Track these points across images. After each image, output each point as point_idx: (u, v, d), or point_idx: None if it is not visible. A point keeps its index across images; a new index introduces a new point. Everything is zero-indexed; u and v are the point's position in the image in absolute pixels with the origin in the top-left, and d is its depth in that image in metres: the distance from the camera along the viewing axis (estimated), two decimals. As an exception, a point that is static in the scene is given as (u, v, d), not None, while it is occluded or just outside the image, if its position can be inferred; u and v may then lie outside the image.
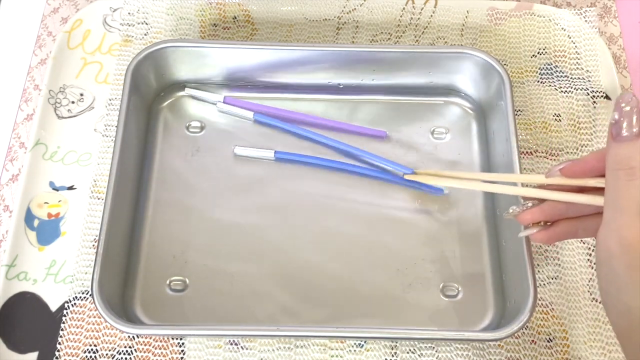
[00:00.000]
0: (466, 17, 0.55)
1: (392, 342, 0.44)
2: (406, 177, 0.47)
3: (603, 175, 0.32)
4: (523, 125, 0.51)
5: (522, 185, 0.40)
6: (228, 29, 0.55)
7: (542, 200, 0.37)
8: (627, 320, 0.29)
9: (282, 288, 0.45)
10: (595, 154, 0.34)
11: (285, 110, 0.51)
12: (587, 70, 0.53)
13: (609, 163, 0.31)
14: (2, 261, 0.46)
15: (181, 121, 0.51)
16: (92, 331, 0.44)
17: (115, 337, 0.44)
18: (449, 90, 0.52)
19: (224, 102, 0.51)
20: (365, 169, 0.49)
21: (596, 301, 0.45)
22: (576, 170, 0.35)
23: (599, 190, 0.34)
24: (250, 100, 0.52)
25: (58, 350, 0.44)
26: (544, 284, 0.46)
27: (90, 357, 0.44)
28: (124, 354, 0.44)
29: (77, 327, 0.44)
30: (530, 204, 0.37)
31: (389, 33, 0.55)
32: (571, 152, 0.50)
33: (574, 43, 0.54)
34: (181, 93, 0.52)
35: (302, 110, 0.51)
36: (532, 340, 0.44)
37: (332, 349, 0.44)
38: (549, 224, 0.37)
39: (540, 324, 0.45)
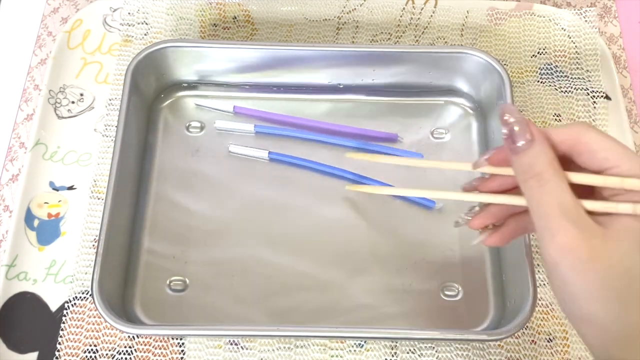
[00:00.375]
0: (466, 17, 0.55)
1: (392, 342, 0.44)
2: (347, 188, 0.47)
3: None
4: (523, 125, 0.51)
5: (463, 190, 0.38)
6: (228, 29, 0.55)
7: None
8: (589, 325, 0.28)
9: (282, 288, 0.45)
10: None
11: (291, 117, 0.51)
12: (587, 70, 0.53)
13: (518, 176, 0.30)
14: (2, 261, 0.46)
15: (181, 121, 0.51)
16: (92, 331, 0.44)
17: (115, 337, 0.44)
18: (449, 90, 0.52)
19: (234, 112, 0.51)
20: (357, 175, 0.48)
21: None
22: (502, 158, 0.33)
23: None
24: (251, 100, 0.52)
25: (58, 350, 0.44)
26: (544, 284, 0.46)
27: (90, 357, 0.44)
28: (124, 354, 0.44)
29: (77, 327, 0.44)
30: (477, 208, 0.36)
31: (389, 33, 0.55)
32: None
33: (574, 43, 0.54)
34: (181, 93, 0.52)
35: (302, 110, 0.51)
36: (532, 340, 0.44)
37: (332, 349, 0.44)
38: (497, 225, 0.36)
39: (540, 324, 0.45)
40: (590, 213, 0.29)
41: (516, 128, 0.30)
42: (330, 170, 0.49)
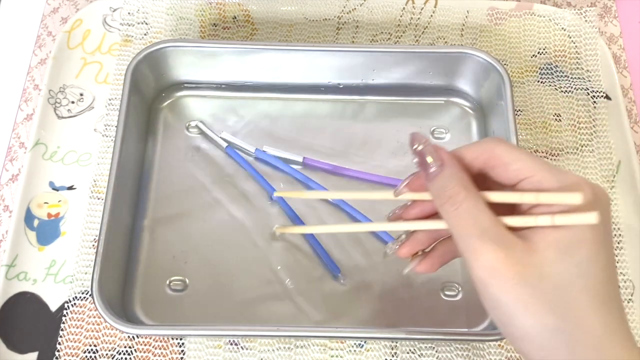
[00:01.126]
0: (466, 17, 0.55)
1: (392, 342, 0.44)
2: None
3: None
4: (523, 125, 0.51)
5: (387, 220, 0.37)
6: (228, 29, 0.55)
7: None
8: (529, 343, 0.28)
9: (282, 288, 0.45)
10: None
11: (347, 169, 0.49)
12: (587, 70, 0.53)
13: (435, 202, 0.30)
14: (2, 261, 0.46)
15: (181, 121, 0.51)
16: (92, 331, 0.44)
17: (115, 337, 0.44)
18: (449, 90, 0.52)
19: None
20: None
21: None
22: (421, 183, 0.32)
23: None
24: (251, 100, 0.52)
25: (58, 350, 0.44)
26: (544, 284, 0.46)
27: (90, 357, 0.44)
28: (124, 354, 0.44)
29: (77, 327, 0.44)
30: (403, 236, 0.36)
31: (389, 33, 0.55)
32: (571, 152, 0.50)
33: (574, 43, 0.54)
34: (181, 93, 0.52)
35: (303, 110, 0.51)
36: (532, 340, 0.44)
37: (332, 349, 0.44)
38: (427, 251, 0.36)
39: (540, 324, 0.45)
40: (511, 229, 0.29)
41: (427, 155, 0.30)
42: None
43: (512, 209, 0.30)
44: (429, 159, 0.30)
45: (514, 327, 0.28)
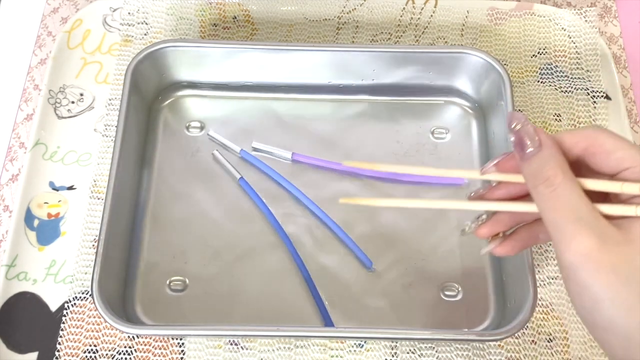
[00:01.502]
0: (466, 17, 0.55)
1: (392, 342, 0.44)
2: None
3: None
4: (523, 125, 0.51)
5: (468, 199, 0.36)
6: (228, 29, 0.55)
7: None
8: (611, 334, 0.27)
9: (282, 288, 0.45)
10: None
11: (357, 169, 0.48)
12: (587, 70, 0.53)
13: (528, 183, 0.30)
14: (2, 261, 0.46)
15: (181, 121, 0.51)
16: (92, 331, 0.44)
17: (115, 337, 0.44)
18: (449, 90, 0.52)
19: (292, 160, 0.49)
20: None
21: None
22: (511, 165, 0.32)
23: None
24: (251, 100, 0.52)
25: (58, 351, 0.44)
26: (544, 284, 0.46)
27: (90, 357, 0.44)
28: (124, 354, 0.44)
29: (77, 327, 0.44)
30: (484, 216, 0.35)
31: (389, 33, 0.55)
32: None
33: (574, 43, 0.54)
34: (181, 93, 0.52)
35: (303, 110, 0.51)
36: (532, 340, 0.44)
37: (332, 349, 0.44)
38: (508, 233, 0.35)
39: (540, 324, 0.45)
40: (607, 217, 0.28)
41: (525, 135, 0.30)
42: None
43: (605, 198, 0.30)
44: (526, 138, 0.30)
45: (599, 315, 0.27)
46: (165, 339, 0.44)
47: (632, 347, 0.27)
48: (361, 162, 0.41)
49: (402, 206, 0.42)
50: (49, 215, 0.48)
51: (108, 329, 0.44)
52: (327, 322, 0.44)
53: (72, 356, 0.44)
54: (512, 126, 0.30)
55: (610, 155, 0.29)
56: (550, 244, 0.47)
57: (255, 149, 0.50)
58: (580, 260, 0.27)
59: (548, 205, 0.29)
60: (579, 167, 0.30)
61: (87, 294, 0.45)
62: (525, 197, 0.33)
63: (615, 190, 0.29)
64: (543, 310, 0.45)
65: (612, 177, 0.30)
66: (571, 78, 0.53)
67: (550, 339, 0.44)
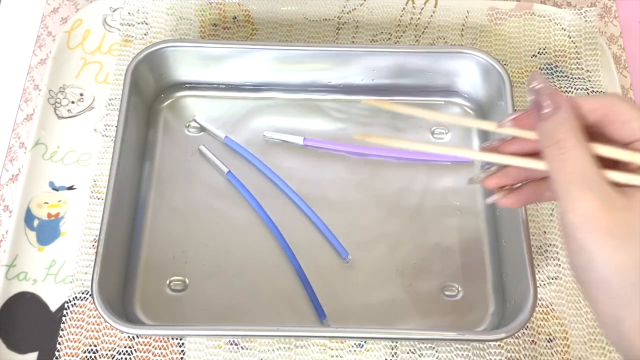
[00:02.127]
0: (466, 17, 0.55)
1: (392, 342, 0.44)
2: (356, 136, 0.41)
3: None
4: (523, 125, 0.51)
5: (481, 150, 0.38)
6: (228, 29, 0.55)
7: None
8: (602, 291, 0.29)
9: (282, 287, 0.45)
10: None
11: (356, 146, 0.49)
12: (587, 70, 0.53)
13: (541, 142, 0.31)
14: (2, 261, 0.46)
15: (181, 121, 0.51)
16: (92, 331, 0.44)
17: (115, 337, 0.44)
18: (449, 90, 0.52)
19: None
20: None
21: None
22: (527, 122, 0.33)
23: None
24: (250, 100, 0.52)
25: (58, 351, 0.44)
26: (544, 284, 0.46)
27: (90, 357, 0.44)
28: (124, 354, 0.44)
29: (77, 327, 0.44)
30: (494, 168, 0.36)
31: (389, 33, 0.55)
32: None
33: (574, 43, 0.54)
34: (181, 93, 0.52)
35: (303, 110, 0.51)
36: (532, 340, 0.44)
37: (332, 349, 0.44)
38: (515, 187, 0.37)
39: (540, 324, 0.45)
40: (614, 184, 0.29)
41: (543, 95, 0.30)
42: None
43: (615, 165, 0.31)
44: (544, 98, 0.30)
45: (593, 272, 0.29)
46: (165, 339, 0.44)
47: (620, 304, 0.28)
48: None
49: (415, 149, 0.39)
50: (49, 215, 0.48)
51: (108, 329, 0.44)
52: (320, 313, 0.44)
53: (72, 356, 0.44)
54: (532, 85, 0.31)
55: (626, 125, 0.30)
56: (549, 245, 0.47)
57: (267, 138, 0.50)
58: (580, 220, 0.28)
59: (557, 166, 0.30)
60: (594, 132, 0.31)
61: (87, 294, 0.45)
62: (536, 154, 0.33)
63: (625, 158, 0.30)
64: (543, 310, 0.45)
65: (625, 146, 0.31)
66: (571, 78, 0.53)
67: (550, 339, 0.44)
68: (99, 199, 0.48)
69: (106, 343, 0.44)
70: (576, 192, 0.28)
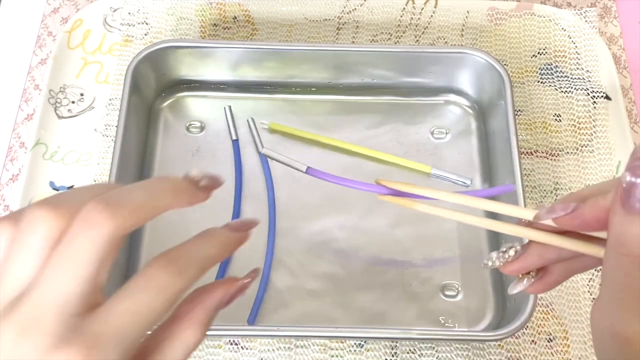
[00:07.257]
0: (466, 17, 0.55)
1: (392, 342, 0.44)
2: (379, 197, 0.34)
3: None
4: (523, 125, 0.51)
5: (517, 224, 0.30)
6: (228, 29, 0.55)
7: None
8: None
9: (282, 287, 0.45)
10: (597, 208, 0.25)
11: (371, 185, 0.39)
12: (587, 70, 0.53)
13: (612, 239, 0.23)
14: (2, 261, 0.46)
15: (181, 121, 0.51)
16: (92, 331, 0.44)
17: (115, 337, 0.44)
18: (449, 90, 0.52)
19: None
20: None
21: (596, 301, 0.45)
22: (574, 225, 0.26)
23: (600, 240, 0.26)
24: (250, 100, 0.52)
25: (58, 350, 0.44)
26: (544, 284, 0.46)
27: (90, 357, 0.44)
28: (124, 353, 0.44)
29: (77, 327, 0.44)
30: (512, 252, 0.29)
31: (389, 33, 0.55)
32: (571, 152, 0.50)
33: (574, 43, 0.54)
34: (181, 93, 0.52)
35: (303, 110, 0.51)
36: (532, 340, 0.44)
37: (332, 349, 0.44)
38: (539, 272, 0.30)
39: (540, 324, 0.45)
40: None
41: None
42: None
43: None
44: None
45: None
46: (165, 338, 0.44)
47: None
48: (395, 183, 0.33)
49: (445, 217, 0.34)
50: (49, 215, 0.48)
51: (108, 328, 0.44)
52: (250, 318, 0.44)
53: (72, 356, 0.44)
54: (636, 163, 0.23)
55: None
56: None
57: (265, 155, 0.48)
58: (616, 342, 0.24)
59: (621, 280, 0.23)
60: None
61: (87, 293, 0.45)
62: (567, 233, 0.27)
63: None
64: (543, 310, 0.45)
65: None
66: (571, 78, 0.53)
67: (550, 339, 0.44)
68: (99, 198, 0.48)
69: (106, 343, 0.44)
70: (625, 315, 0.23)
